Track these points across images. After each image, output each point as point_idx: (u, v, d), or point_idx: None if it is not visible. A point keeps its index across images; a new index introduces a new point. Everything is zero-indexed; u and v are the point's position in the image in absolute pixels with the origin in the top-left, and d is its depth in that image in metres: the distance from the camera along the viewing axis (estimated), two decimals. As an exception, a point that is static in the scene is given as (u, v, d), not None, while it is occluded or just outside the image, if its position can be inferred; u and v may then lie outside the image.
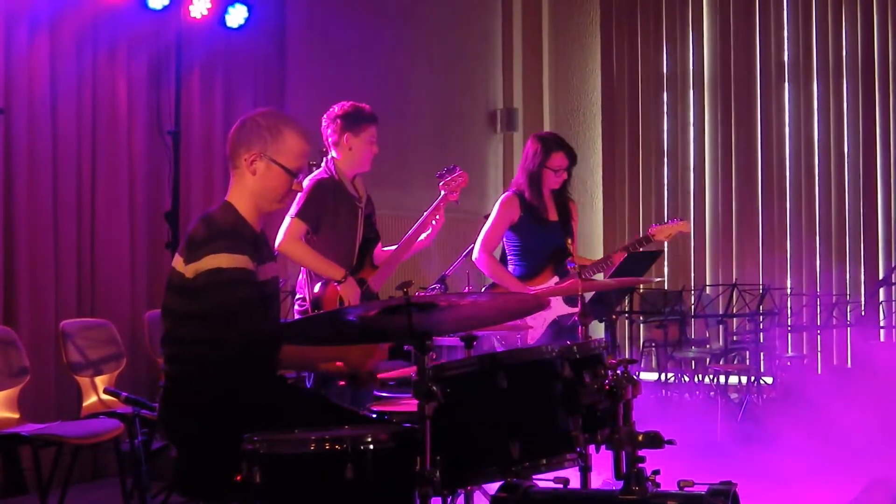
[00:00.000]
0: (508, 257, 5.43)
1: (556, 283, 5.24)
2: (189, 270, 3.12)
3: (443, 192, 4.96)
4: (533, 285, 5.25)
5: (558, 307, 5.21)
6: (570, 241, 5.34)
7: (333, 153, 4.83)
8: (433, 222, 4.90)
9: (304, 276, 4.74)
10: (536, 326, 5.25)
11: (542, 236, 5.35)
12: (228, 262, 3.08)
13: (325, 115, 4.85)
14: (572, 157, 5.38)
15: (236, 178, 3.28)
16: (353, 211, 4.75)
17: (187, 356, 3.18)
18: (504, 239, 5.41)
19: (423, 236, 4.92)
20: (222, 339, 3.10)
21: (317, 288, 4.61)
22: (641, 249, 5.37)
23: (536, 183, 5.31)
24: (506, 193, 5.45)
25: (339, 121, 4.79)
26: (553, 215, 5.40)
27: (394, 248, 4.92)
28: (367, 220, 4.83)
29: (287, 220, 4.63)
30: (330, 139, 4.83)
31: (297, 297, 4.80)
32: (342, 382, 3.62)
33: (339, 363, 3.42)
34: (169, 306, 3.23)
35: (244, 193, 3.26)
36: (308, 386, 4.54)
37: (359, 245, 4.76)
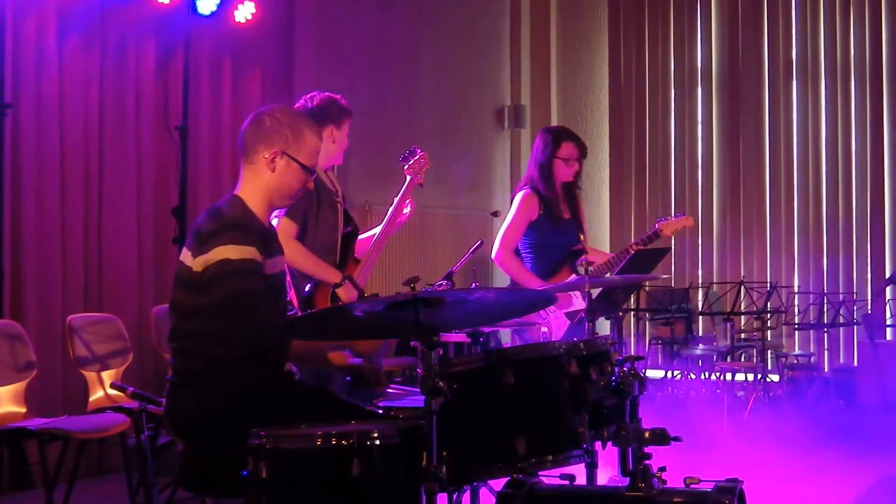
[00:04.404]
0: (524, 255, 5.45)
1: None
2: (197, 264, 3.13)
3: (408, 177, 4.84)
4: (552, 282, 5.26)
5: (579, 303, 5.22)
6: (582, 237, 5.39)
7: None
8: (405, 210, 4.82)
9: (287, 277, 4.53)
10: (561, 325, 5.29)
11: (558, 234, 5.39)
12: (237, 254, 3.10)
13: (297, 106, 4.67)
14: (582, 148, 5.43)
15: (251, 173, 3.29)
16: (333, 206, 4.63)
17: (195, 351, 3.19)
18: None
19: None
20: (229, 332, 3.11)
21: (307, 287, 4.49)
22: (650, 245, 5.40)
23: (548, 175, 5.36)
24: (523, 191, 5.45)
25: (323, 112, 4.61)
26: (567, 213, 5.44)
27: (368, 234, 4.86)
28: (346, 213, 4.74)
29: (275, 220, 4.34)
30: None
31: None
32: (348, 378, 3.59)
33: (347, 354, 3.41)
34: (177, 301, 3.24)
35: (258, 188, 3.28)
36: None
37: (340, 240, 4.65)
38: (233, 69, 7.29)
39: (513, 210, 5.44)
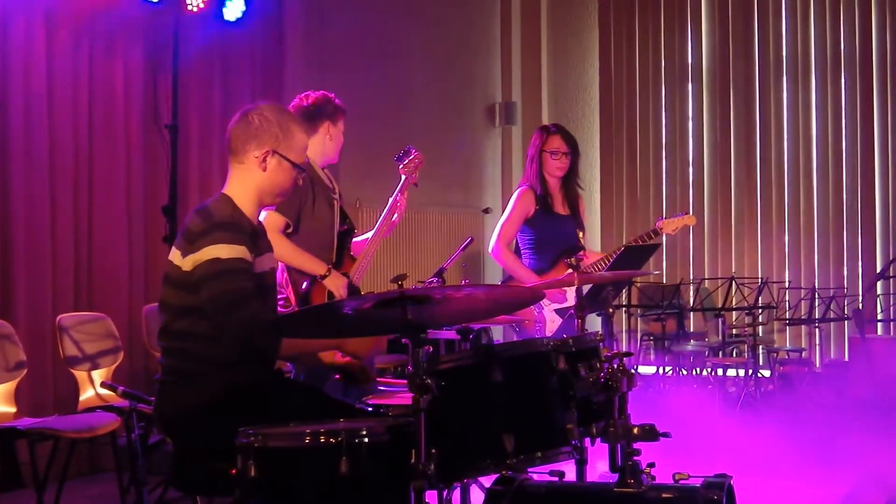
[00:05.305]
0: (523, 251, 5.54)
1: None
2: (187, 263, 3.13)
3: (403, 177, 4.86)
4: (547, 278, 5.28)
5: (572, 299, 5.24)
6: (581, 234, 5.44)
7: None
8: (398, 210, 4.82)
9: (285, 275, 4.54)
10: (555, 319, 5.32)
11: (555, 229, 5.46)
12: (227, 253, 3.09)
13: (292, 105, 4.68)
14: (570, 141, 5.52)
15: (240, 172, 3.28)
16: (330, 202, 4.63)
17: (185, 350, 3.18)
18: (518, 233, 5.50)
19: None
20: (221, 331, 3.10)
21: (304, 284, 4.47)
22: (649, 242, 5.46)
23: (539, 169, 5.45)
24: (520, 188, 5.56)
25: (318, 109, 4.64)
26: (563, 208, 5.52)
27: (364, 237, 4.88)
28: (342, 211, 4.73)
29: (264, 213, 4.22)
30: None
31: (279, 297, 4.66)
32: (337, 376, 3.58)
33: (337, 354, 3.41)
34: (166, 300, 3.23)
35: (248, 187, 3.26)
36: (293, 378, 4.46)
37: (336, 238, 4.64)
38: (223, 67, 7.27)
39: (509, 206, 5.54)
